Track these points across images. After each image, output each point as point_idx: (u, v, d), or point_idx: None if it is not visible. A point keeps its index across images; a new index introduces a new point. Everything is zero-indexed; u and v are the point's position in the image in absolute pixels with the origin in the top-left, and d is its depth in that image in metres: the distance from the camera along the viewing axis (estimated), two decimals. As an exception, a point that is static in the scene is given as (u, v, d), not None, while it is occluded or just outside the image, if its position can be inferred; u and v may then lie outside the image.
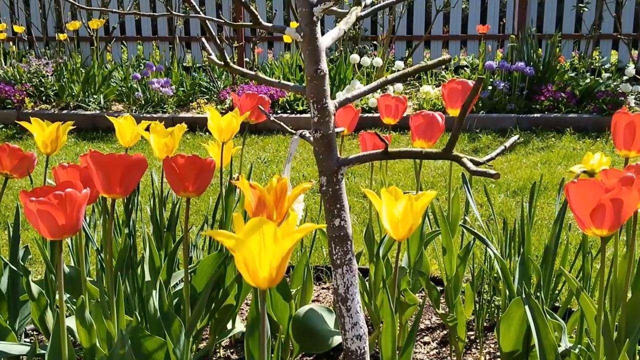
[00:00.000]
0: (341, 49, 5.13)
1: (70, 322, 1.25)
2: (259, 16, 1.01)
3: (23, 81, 4.83)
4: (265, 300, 0.68)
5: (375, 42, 5.49)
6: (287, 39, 5.38)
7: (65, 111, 4.53)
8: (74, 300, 1.33)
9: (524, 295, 1.03)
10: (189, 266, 1.40)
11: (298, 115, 4.23)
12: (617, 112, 1.09)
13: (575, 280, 1.08)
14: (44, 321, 1.29)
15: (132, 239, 1.37)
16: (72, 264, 1.45)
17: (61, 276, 0.94)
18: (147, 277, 1.31)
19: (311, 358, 1.42)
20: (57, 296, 1.30)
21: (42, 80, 4.86)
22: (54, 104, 4.72)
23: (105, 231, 1.26)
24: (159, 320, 1.14)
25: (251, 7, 0.99)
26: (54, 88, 4.79)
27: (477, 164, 0.86)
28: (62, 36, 5.41)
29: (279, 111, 4.32)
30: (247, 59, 5.55)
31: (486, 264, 1.56)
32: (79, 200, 0.90)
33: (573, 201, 0.84)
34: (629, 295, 1.05)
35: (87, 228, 1.42)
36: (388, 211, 0.96)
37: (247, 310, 1.67)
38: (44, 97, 4.78)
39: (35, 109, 4.60)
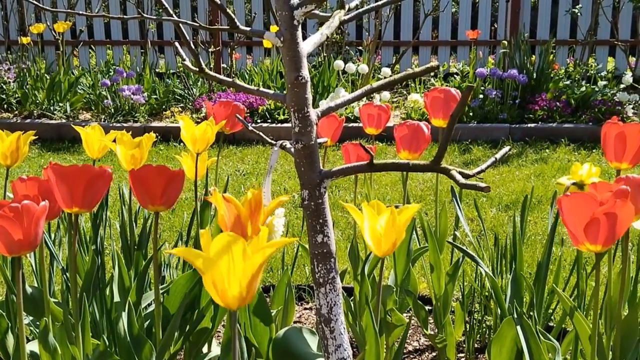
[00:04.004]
0: (325, 54, 5.16)
1: (33, 346, 1.24)
2: (236, 19, 1.02)
3: (-17, 88, 4.80)
4: (237, 321, 0.69)
5: (360, 48, 5.53)
6: (267, 43, 5.41)
7: (28, 120, 4.50)
8: (38, 323, 1.32)
9: (515, 315, 1.04)
10: (162, 286, 1.39)
11: (279, 124, 4.24)
12: (606, 122, 1.11)
13: (568, 299, 1.09)
14: (5, 346, 1.28)
15: (100, 257, 1.36)
16: (36, 284, 1.44)
17: (20, 296, 0.93)
18: (117, 298, 1.31)
19: (292, 383, 1.41)
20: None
21: (4, 86, 4.82)
22: (16, 112, 4.68)
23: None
24: (129, 344, 1.14)
25: (228, 10, 1.00)
26: (17, 95, 4.76)
27: (466, 176, 0.88)
28: (25, 40, 5.38)
29: (258, 120, 4.32)
30: (224, 65, 5.56)
31: (477, 281, 1.57)
32: (37, 214, 0.90)
33: (566, 215, 0.85)
34: (624, 313, 1.07)
35: (52, 245, 1.41)
36: (370, 226, 0.97)
37: (224, 333, 1.67)
38: (5, 105, 4.74)
39: (-4, 117, 4.57)
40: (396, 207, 0.99)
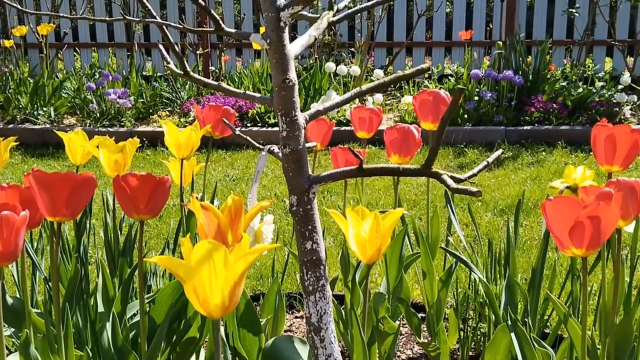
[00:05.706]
0: (316, 56, 5.17)
1: (14, 358, 1.24)
2: (221, 21, 1.02)
3: (-36, 92, 4.78)
4: (219, 331, 0.69)
5: (352, 49, 5.54)
6: (257, 45, 5.41)
7: (11, 125, 4.49)
8: (20, 334, 1.31)
9: (509, 322, 1.05)
10: (148, 295, 1.39)
11: (269, 128, 4.24)
12: (595, 124, 1.12)
13: (562, 305, 1.10)
14: (-15, 358, 1.27)
15: (84, 266, 1.36)
16: (19, 295, 1.43)
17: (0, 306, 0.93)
18: (101, 308, 1.30)
19: (282, 394, 1.41)
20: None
21: (-14, 91, 4.80)
22: (-2, 117, 4.67)
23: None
24: (113, 356, 1.13)
25: (213, 12, 1.01)
26: (-1, 100, 4.75)
27: (458, 181, 0.88)
28: (7, 42, 5.37)
29: (248, 124, 4.32)
30: (213, 68, 5.56)
31: (471, 288, 1.58)
32: (16, 224, 0.89)
33: (550, 220, 0.86)
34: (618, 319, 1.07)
35: (34, 255, 1.41)
36: (354, 232, 0.98)
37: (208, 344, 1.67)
38: (-13, 110, 4.73)
39: (-22, 122, 4.55)
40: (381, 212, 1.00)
